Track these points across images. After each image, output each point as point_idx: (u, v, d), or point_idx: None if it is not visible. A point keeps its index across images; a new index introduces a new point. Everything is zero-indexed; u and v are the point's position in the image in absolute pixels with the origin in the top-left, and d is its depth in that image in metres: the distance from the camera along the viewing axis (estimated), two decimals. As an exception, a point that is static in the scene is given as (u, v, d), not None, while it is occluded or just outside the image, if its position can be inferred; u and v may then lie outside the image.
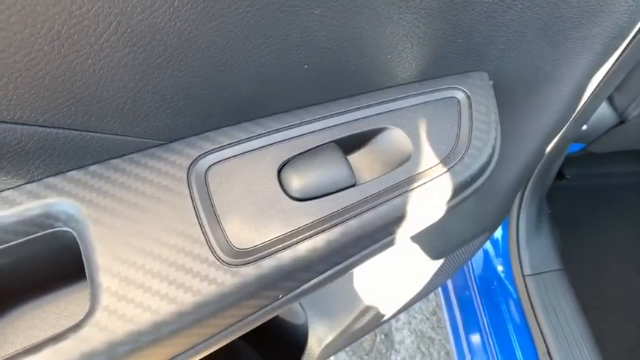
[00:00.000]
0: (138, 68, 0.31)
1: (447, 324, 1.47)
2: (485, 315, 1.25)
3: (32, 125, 0.32)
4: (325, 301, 0.89)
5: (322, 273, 0.41)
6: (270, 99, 0.40)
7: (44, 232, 0.38)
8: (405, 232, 0.44)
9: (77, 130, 0.34)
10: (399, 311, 0.99)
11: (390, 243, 0.44)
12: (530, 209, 1.17)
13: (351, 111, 0.43)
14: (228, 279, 0.35)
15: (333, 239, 0.39)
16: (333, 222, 0.39)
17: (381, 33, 0.38)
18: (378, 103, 0.44)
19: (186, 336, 0.36)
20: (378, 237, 0.42)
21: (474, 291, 1.30)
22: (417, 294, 0.92)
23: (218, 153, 0.40)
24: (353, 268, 0.44)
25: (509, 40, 0.45)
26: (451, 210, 0.46)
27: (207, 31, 0.31)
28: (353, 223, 0.40)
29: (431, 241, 0.71)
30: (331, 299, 0.86)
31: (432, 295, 2.01)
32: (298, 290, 0.41)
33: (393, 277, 0.82)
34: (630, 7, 0.46)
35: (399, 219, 0.42)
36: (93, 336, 0.33)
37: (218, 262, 0.36)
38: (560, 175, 1.45)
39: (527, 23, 0.43)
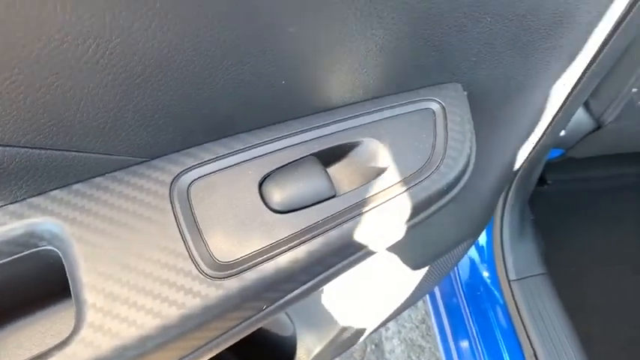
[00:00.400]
0: (118, 88, 0.32)
1: (436, 332, 1.48)
2: (472, 321, 1.26)
3: (14, 147, 0.32)
4: (313, 311, 0.89)
5: (304, 283, 0.42)
6: (250, 115, 0.41)
7: (29, 252, 0.38)
8: (385, 241, 0.45)
9: (59, 150, 0.35)
10: (387, 320, 1.00)
11: (371, 252, 0.45)
12: (513, 215, 1.19)
13: (329, 124, 0.44)
14: (212, 292, 0.36)
15: (314, 250, 0.40)
16: (313, 233, 0.40)
17: (355, 49, 0.39)
18: (356, 116, 0.45)
19: (172, 349, 0.37)
20: (358, 246, 0.43)
21: (461, 298, 1.32)
22: (405, 302, 0.93)
23: (199, 169, 0.41)
24: (335, 277, 0.44)
25: (480, 52, 0.47)
26: (429, 218, 0.47)
27: (185, 51, 0.32)
28: (333, 234, 0.41)
29: (415, 249, 0.73)
30: (319, 310, 0.87)
31: (420, 303, 2.02)
32: (282, 301, 0.41)
33: (380, 286, 0.83)
34: (594, 18, 0.48)
35: (379, 228, 0.43)
36: (79, 352, 0.33)
37: (202, 276, 0.37)
38: (541, 180, 1.48)
39: (497, 35, 0.45)
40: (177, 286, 0.36)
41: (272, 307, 0.41)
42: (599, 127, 1.10)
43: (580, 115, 1.11)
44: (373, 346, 1.93)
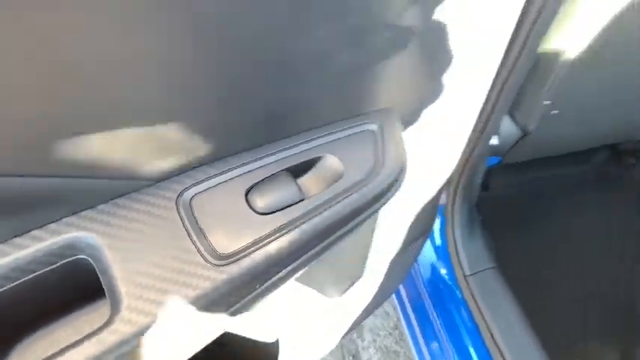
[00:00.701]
0: (131, 135, 0.44)
1: (408, 336, 1.59)
2: (437, 317, 1.38)
3: (62, 177, 0.43)
4: (293, 315, 0.99)
5: (287, 266, 0.54)
6: (235, 145, 0.54)
7: (64, 261, 0.49)
8: (344, 230, 0.58)
9: (91, 178, 0.46)
10: (359, 320, 1.10)
11: (336, 239, 0.58)
12: (462, 217, 1.33)
13: (296, 146, 0.57)
14: (218, 276, 0.48)
15: (293, 240, 0.52)
16: (290, 227, 0.53)
17: (317, 97, 0.53)
18: (316, 138, 0.58)
19: None
20: (325, 236, 0.56)
21: (427, 299, 1.44)
22: (373, 300, 1.04)
23: (197, 186, 0.53)
24: (312, 261, 0.57)
25: (406, 85, 0.61)
26: (374, 213, 0.60)
27: (185, 111, 0.45)
28: (305, 227, 0.53)
29: (377, 246, 0.85)
30: (294, 312, 0.97)
31: (391, 311, 2.14)
32: (271, 281, 0.53)
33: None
34: (495, 48, 0.64)
35: (339, 220, 0.56)
36: (121, 328, 0.44)
37: (209, 265, 0.48)
38: (485, 186, 1.65)
39: (416, 69, 0.60)
40: (190, 274, 0.47)
41: (264, 286, 0.52)
42: (525, 135, 1.28)
43: (509, 126, 1.28)
44: (351, 357, 2.02)
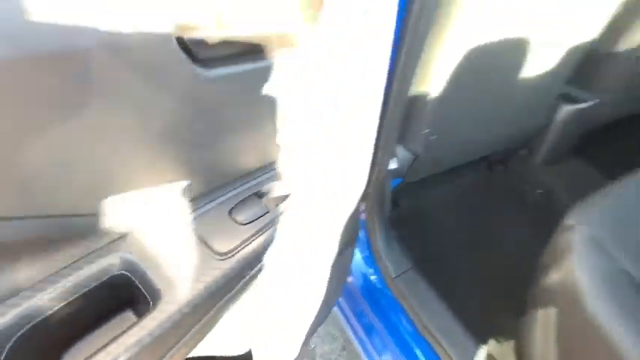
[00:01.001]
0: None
1: (361, 352, 1.77)
2: (379, 322, 1.60)
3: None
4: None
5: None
6: (213, 183, 0.79)
7: (108, 277, 0.69)
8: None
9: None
10: (310, 333, 1.28)
11: (297, 237, 0.84)
12: (380, 232, 1.60)
13: (257, 177, 0.83)
14: (224, 265, 0.71)
15: (265, 239, 0.77)
16: (262, 231, 0.78)
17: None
18: (268, 171, 0.85)
19: (213, 299, 0.70)
20: (287, 234, 0.81)
21: (365, 305, 1.66)
22: (321, 309, 1.25)
23: (196, 212, 0.76)
24: (281, 254, 0.81)
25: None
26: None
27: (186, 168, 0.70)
28: (271, 230, 0.78)
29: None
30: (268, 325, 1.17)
31: (337, 334, 2.34)
32: (255, 269, 0.77)
33: (295, 294, 1.16)
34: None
35: (294, 225, 0.82)
36: (167, 308, 0.65)
37: (217, 259, 0.71)
38: (395, 203, 1.96)
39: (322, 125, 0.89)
40: (205, 267, 0.70)
41: (251, 273, 0.76)
42: (416, 158, 1.59)
43: (403, 152, 1.59)
44: (308, 384, 2.18)
